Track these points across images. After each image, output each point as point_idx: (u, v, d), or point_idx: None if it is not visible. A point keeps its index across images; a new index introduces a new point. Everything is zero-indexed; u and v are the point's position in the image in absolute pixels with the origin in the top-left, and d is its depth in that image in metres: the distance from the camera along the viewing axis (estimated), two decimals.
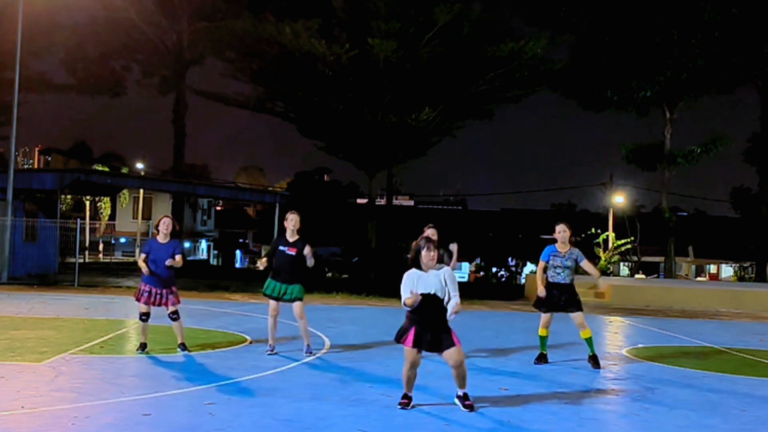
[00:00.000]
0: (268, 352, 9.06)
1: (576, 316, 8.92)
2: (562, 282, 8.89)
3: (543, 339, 9.22)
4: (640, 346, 11.71)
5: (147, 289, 8.72)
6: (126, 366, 8.20)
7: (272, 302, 9.04)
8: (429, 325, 6.27)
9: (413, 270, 6.38)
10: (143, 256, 8.83)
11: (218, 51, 36.24)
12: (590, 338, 9.09)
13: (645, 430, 6.17)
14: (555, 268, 8.91)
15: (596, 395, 7.61)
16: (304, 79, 31.49)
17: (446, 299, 6.30)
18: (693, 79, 31.68)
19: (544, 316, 9.09)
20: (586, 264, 8.93)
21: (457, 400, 6.52)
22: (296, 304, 8.96)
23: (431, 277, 6.30)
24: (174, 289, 8.88)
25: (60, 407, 6.03)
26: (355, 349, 9.93)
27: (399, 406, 6.40)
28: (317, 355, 9.13)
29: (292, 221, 8.87)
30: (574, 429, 6.05)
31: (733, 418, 6.66)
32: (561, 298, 8.89)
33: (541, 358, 9.22)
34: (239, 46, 33.56)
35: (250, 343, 10.07)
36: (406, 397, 6.48)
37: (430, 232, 8.75)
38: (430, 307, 6.25)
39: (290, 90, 32.75)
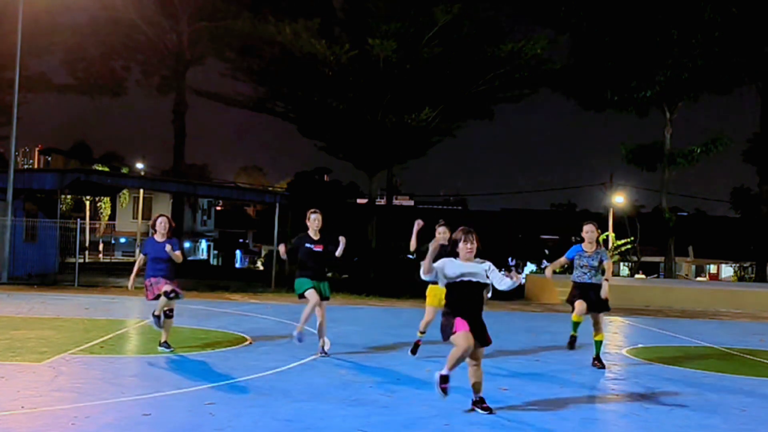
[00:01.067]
0: (299, 342, 8.81)
1: (599, 316, 8.87)
2: (588, 282, 8.82)
3: (576, 324, 8.92)
4: (640, 346, 11.71)
5: (157, 280, 8.69)
6: (126, 366, 8.19)
7: (312, 293, 8.69)
8: (468, 317, 6.15)
9: (452, 258, 6.28)
10: (142, 257, 8.85)
11: (218, 51, 36.29)
12: (601, 342, 9.04)
13: (645, 430, 6.17)
14: (581, 267, 8.84)
15: (596, 395, 7.61)
16: (304, 79, 31.51)
17: (486, 290, 6.25)
18: (693, 79, 31.71)
19: (578, 305, 8.74)
20: (607, 264, 8.90)
21: (475, 407, 6.38)
22: (323, 303, 8.94)
23: (472, 266, 6.23)
24: (177, 283, 8.90)
25: (60, 407, 6.03)
26: (355, 349, 9.92)
27: (440, 390, 6.09)
28: (318, 356, 9.12)
29: (316, 221, 8.88)
30: (574, 429, 6.04)
31: (733, 418, 6.66)
32: (592, 297, 8.74)
33: (572, 342, 8.99)
34: (239, 46, 33.61)
35: (250, 343, 10.07)
36: (446, 380, 6.10)
37: (442, 230, 8.71)
38: (470, 296, 6.19)
39: (290, 90, 32.80)
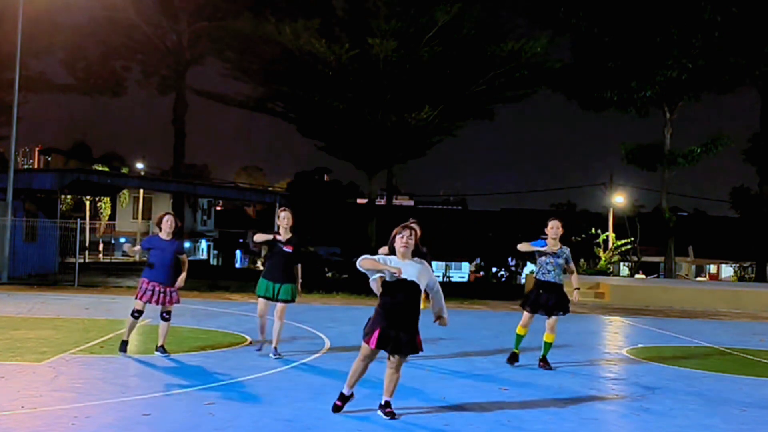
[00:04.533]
0: (258, 352, 8.98)
1: (554, 319, 8.72)
2: (552, 281, 8.65)
3: (520, 338, 8.92)
4: (640, 346, 11.71)
5: (150, 287, 8.61)
6: (126, 366, 8.19)
7: (263, 302, 8.82)
8: (398, 322, 5.81)
9: (392, 257, 5.92)
10: (138, 248, 8.91)
11: (218, 51, 36.26)
12: (551, 344, 8.88)
13: (645, 430, 6.17)
14: (546, 265, 8.68)
15: (596, 395, 7.61)
16: (304, 79, 31.48)
17: (423, 294, 5.95)
18: (693, 79, 31.68)
19: (527, 315, 8.82)
20: (572, 267, 8.78)
21: (379, 411, 6.14)
22: (283, 306, 8.73)
23: (408, 266, 5.82)
24: (176, 288, 8.83)
25: (60, 407, 6.03)
26: (355, 349, 9.90)
27: (333, 410, 6.09)
28: (319, 355, 9.12)
29: (285, 219, 8.63)
30: (574, 429, 6.04)
31: (733, 418, 6.66)
32: (549, 300, 8.63)
33: (513, 358, 8.95)
34: (239, 46, 33.57)
35: (250, 343, 10.06)
36: (343, 399, 6.12)
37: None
38: (405, 297, 5.81)
39: (290, 90, 32.74)
